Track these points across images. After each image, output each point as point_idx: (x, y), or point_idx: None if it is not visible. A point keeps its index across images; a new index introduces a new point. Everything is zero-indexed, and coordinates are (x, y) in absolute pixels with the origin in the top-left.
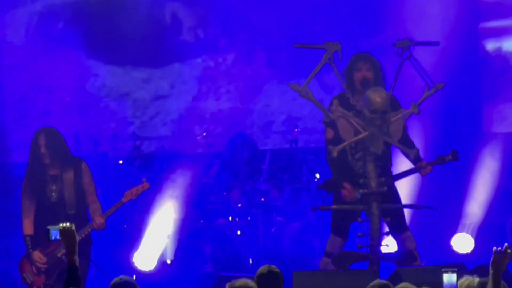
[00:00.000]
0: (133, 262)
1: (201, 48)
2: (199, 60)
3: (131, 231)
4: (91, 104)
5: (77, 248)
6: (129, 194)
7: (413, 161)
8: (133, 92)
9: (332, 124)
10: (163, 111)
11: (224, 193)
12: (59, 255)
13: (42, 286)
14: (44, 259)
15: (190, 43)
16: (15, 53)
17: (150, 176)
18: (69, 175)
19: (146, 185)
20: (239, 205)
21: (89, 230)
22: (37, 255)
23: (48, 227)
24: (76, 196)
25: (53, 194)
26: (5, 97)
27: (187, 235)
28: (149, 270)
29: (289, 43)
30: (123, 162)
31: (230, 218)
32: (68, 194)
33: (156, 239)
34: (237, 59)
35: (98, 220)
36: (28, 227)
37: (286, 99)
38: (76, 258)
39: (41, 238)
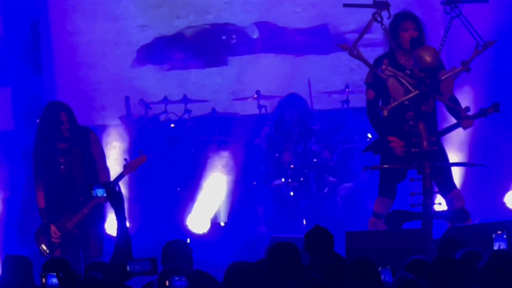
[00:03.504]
0: (187, 225)
1: None
2: None
3: (184, 194)
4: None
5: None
6: (128, 168)
7: (462, 118)
8: None
9: (373, 85)
10: None
11: (276, 155)
12: (70, 228)
13: None
14: (58, 234)
15: None
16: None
17: (202, 139)
18: (77, 147)
19: (142, 157)
20: (292, 166)
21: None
22: (53, 228)
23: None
24: (85, 168)
25: (62, 166)
26: (62, 60)
27: (240, 197)
28: (203, 233)
29: None
30: (174, 125)
31: (282, 180)
32: (76, 166)
33: (209, 201)
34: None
35: None
36: (41, 200)
37: None
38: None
39: (51, 211)
